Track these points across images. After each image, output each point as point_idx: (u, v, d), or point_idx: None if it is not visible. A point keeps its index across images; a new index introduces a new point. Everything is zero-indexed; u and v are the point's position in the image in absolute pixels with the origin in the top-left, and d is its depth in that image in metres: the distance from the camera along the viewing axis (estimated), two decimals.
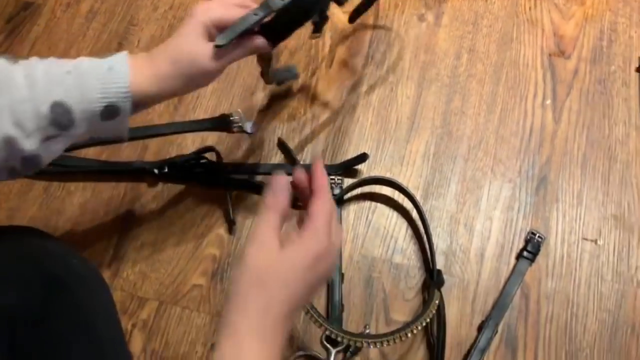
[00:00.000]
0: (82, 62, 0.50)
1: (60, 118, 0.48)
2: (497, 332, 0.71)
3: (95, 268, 0.60)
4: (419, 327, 0.63)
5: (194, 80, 0.56)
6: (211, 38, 0.55)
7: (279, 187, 0.45)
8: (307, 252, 0.42)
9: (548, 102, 0.86)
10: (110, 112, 0.51)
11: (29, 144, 0.47)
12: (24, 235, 0.59)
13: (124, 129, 0.55)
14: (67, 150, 0.82)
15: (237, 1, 0.58)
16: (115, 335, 0.61)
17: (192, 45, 0.54)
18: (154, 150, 0.83)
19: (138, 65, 0.52)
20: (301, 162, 0.81)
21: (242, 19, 0.55)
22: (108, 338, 0.58)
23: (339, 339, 0.63)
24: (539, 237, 0.76)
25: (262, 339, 0.40)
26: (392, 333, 0.62)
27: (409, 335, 0.62)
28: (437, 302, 0.67)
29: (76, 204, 0.80)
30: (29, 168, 0.49)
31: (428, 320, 0.64)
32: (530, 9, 0.93)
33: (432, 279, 0.72)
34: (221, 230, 0.78)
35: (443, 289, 0.73)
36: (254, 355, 0.39)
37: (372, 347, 0.64)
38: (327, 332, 0.63)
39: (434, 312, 0.65)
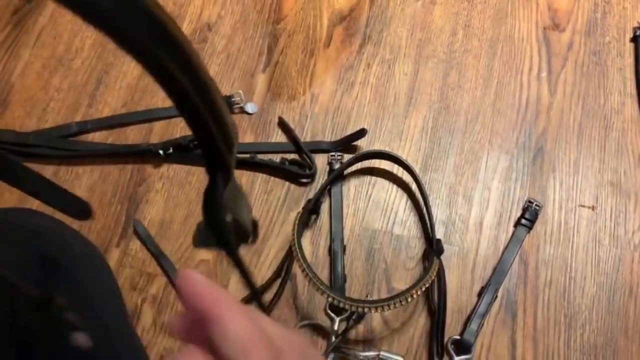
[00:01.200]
0: None
1: None
2: (496, 297, 0.72)
3: (93, 245, 0.61)
4: (419, 292, 0.65)
5: None
6: None
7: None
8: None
9: (543, 74, 0.87)
10: None
11: None
12: (19, 215, 0.60)
13: None
14: (74, 135, 0.86)
15: None
16: (116, 312, 0.63)
17: None
18: (159, 132, 0.85)
19: None
20: (302, 140, 0.83)
21: None
22: (109, 315, 0.60)
23: (342, 305, 0.65)
24: (536, 205, 0.77)
25: None
26: (393, 298, 0.64)
27: (409, 299, 0.64)
28: (436, 268, 0.68)
29: (85, 186, 0.82)
30: None
31: (428, 284, 0.65)
32: None
33: (432, 248, 0.74)
34: None
35: (443, 258, 0.74)
36: None
37: (373, 312, 0.66)
38: (330, 300, 0.65)
39: (433, 277, 0.67)
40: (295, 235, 0.69)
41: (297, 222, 0.71)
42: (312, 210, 0.77)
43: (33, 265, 0.53)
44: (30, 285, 0.53)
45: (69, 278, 0.56)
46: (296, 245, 0.68)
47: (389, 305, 0.64)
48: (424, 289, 0.65)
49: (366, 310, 0.64)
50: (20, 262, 0.53)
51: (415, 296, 0.64)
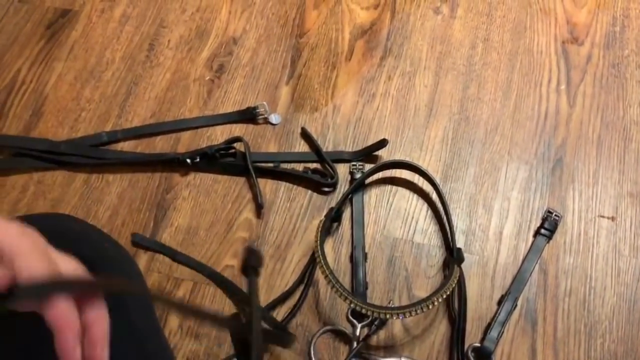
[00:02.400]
0: None
1: None
2: (516, 305, 0.73)
3: (125, 250, 0.63)
4: (440, 299, 0.66)
5: None
6: None
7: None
8: None
9: (562, 87, 0.89)
10: None
11: None
12: (58, 220, 0.63)
13: None
14: (105, 144, 0.89)
15: None
16: (147, 314, 0.65)
17: None
18: (186, 142, 0.88)
19: None
20: (324, 150, 0.85)
21: None
22: (140, 317, 0.62)
23: (364, 311, 0.66)
24: (555, 215, 0.78)
25: None
26: (414, 305, 0.65)
27: (431, 306, 0.65)
28: (457, 276, 0.70)
29: (114, 193, 0.85)
30: None
31: (449, 292, 0.67)
32: None
33: (452, 256, 0.75)
34: (250, 214, 0.82)
35: (463, 266, 0.76)
36: None
37: (395, 318, 0.67)
38: (352, 306, 0.67)
39: (454, 285, 0.68)
40: (319, 242, 0.71)
41: (319, 229, 0.73)
42: (334, 218, 0.79)
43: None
44: None
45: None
46: (319, 252, 0.70)
47: (410, 312, 0.65)
48: (445, 296, 0.66)
49: (388, 316, 0.66)
50: None
51: (436, 303, 0.66)
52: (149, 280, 0.79)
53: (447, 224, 0.78)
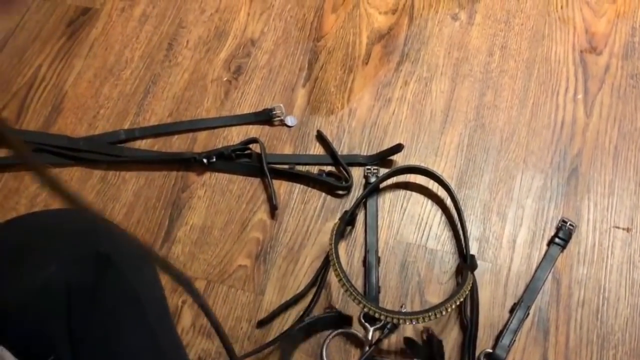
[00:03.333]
0: None
1: None
2: (528, 314, 0.73)
3: (140, 243, 0.64)
4: (453, 306, 0.66)
5: None
6: None
7: None
8: None
9: (579, 96, 0.88)
10: None
11: None
12: (76, 215, 0.64)
13: None
14: (122, 141, 0.90)
15: None
16: (160, 310, 0.66)
17: None
18: (202, 142, 0.89)
19: None
20: (339, 153, 0.85)
21: None
22: (153, 312, 0.63)
23: (377, 315, 0.67)
24: (570, 224, 0.78)
25: None
26: (427, 310, 0.66)
27: (444, 312, 0.65)
28: (470, 283, 0.70)
29: (131, 191, 0.86)
30: None
31: (462, 299, 0.67)
32: (561, 7, 0.95)
33: (466, 263, 0.75)
34: (264, 215, 0.83)
35: (476, 273, 0.76)
36: None
37: (407, 323, 0.67)
38: (365, 310, 0.67)
39: (467, 292, 0.68)
40: (333, 244, 0.72)
41: (334, 232, 0.74)
42: (348, 221, 0.79)
43: (89, 261, 0.57)
44: (86, 279, 0.56)
45: (118, 275, 0.59)
46: (334, 254, 0.70)
47: (423, 318, 0.65)
48: (457, 303, 0.67)
49: (400, 321, 0.66)
50: (78, 258, 0.56)
51: (449, 310, 0.66)
52: (163, 278, 0.78)
53: (461, 231, 0.78)
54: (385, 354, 0.73)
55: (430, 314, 0.65)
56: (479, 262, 0.77)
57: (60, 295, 0.53)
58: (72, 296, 0.55)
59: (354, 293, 0.67)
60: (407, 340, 0.72)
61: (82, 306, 0.55)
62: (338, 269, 0.69)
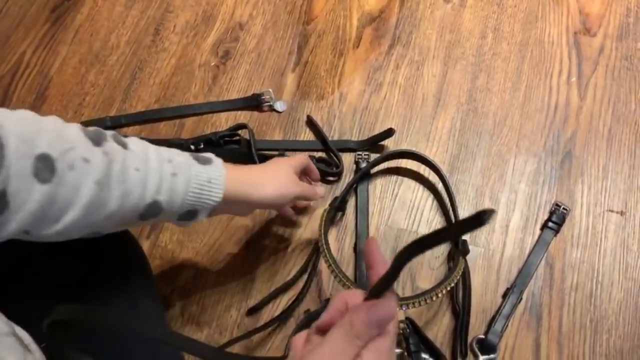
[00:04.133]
0: (187, 167, 0.51)
1: (147, 214, 0.49)
2: (521, 299, 0.72)
3: (130, 233, 0.63)
4: (444, 291, 0.65)
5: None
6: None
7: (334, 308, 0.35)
8: None
9: (573, 79, 0.87)
10: (189, 214, 0.53)
11: (108, 229, 0.48)
12: None
13: (187, 225, 0.57)
14: (108, 129, 0.88)
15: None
16: (151, 299, 0.65)
17: (281, 205, 0.66)
18: (190, 128, 0.87)
19: (230, 187, 0.55)
20: (329, 139, 0.84)
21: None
22: (145, 301, 0.62)
23: None
24: (563, 208, 0.77)
25: None
26: (418, 296, 0.65)
27: (434, 298, 0.64)
28: (462, 268, 0.69)
29: None
30: (90, 236, 0.50)
31: (453, 284, 0.66)
32: None
33: (458, 248, 0.74)
34: None
35: (469, 259, 0.75)
36: None
37: (397, 309, 0.66)
38: None
39: (459, 277, 0.67)
40: (322, 231, 0.70)
41: (324, 218, 0.72)
42: (338, 207, 0.78)
43: (77, 246, 0.56)
44: (75, 263, 0.55)
45: (108, 259, 0.58)
46: (323, 241, 0.69)
47: (413, 303, 0.64)
48: (449, 288, 0.65)
49: None
50: (68, 243, 0.55)
51: (440, 295, 0.65)
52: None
53: (452, 216, 0.77)
54: None
55: (420, 299, 0.64)
56: (471, 247, 0.76)
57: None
58: (62, 277, 0.54)
59: (343, 279, 0.66)
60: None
61: (70, 288, 0.54)
62: (328, 256, 0.68)
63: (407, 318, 0.71)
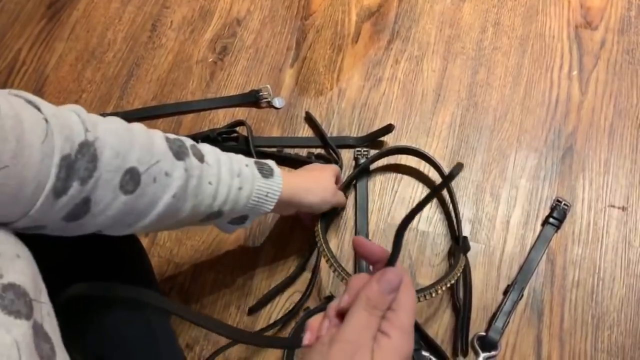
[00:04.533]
0: (250, 179, 0.55)
1: (208, 220, 0.54)
2: (522, 296, 0.72)
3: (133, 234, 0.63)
4: (444, 287, 0.64)
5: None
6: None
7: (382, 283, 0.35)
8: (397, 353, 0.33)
9: (574, 73, 0.86)
10: (240, 219, 0.58)
11: (166, 228, 0.52)
12: None
13: (229, 230, 0.61)
14: None
15: None
16: (151, 283, 0.64)
17: (322, 209, 0.69)
18: (188, 125, 0.86)
19: (284, 194, 0.59)
20: (328, 135, 0.83)
21: None
22: (145, 285, 0.62)
23: None
24: (564, 204, 0.76)
25: None
26: (418, 292, 0.64)
27: (434, 294, 0.63)
28: (463, 265, 0.68)
29: None
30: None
31: (453, 281, 0.65)
32: None
33: (458, 245, 0.73)
34: None
35: (469, 255, 0.74)
36: None
37: None
38: None
39: (459, 274, 0.67)
40: (319, 227, 0.70)
41: (321, 217, 0.72)
42: None
43: (82, 242, 0.55)
44: (80, 259, 0.55)
45: (111, 253, 0.58)
46: (321, 237, 0.69)
47: None
48: (449, 284, 0.65)
49: None
50: (73, 239, 0.55)
51: (440, 292, 0.64)
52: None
53: (452, 212, 0.76)
54: None
55: (420, 295, 0.63)
56: (472, 244, 0.75)
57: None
58: (67, 273, 0.54)
59: (342, 273, 0.65)
60: None
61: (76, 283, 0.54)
62: (326, 251, 0.67)
63: None
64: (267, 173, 0.57)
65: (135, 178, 0.43)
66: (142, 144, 0.44)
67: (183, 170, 0.47)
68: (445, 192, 0.78)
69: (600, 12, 0.90)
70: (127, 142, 0.42)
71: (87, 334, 0.53)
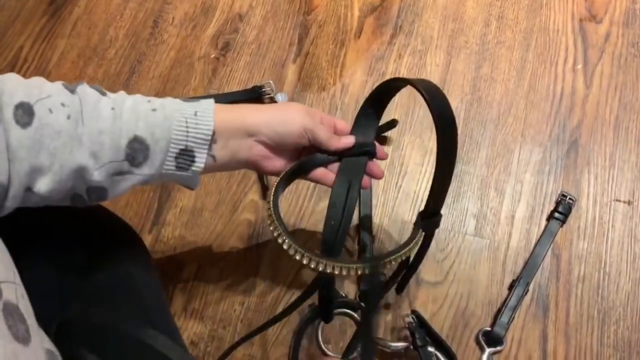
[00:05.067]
0: (169, 102, 0.49)
1: (135, 154, 0.46)
2: (528, 291, 0.71)
3: (130, 227, 0.63)
4: (393, 262, 0.50)
5: (256, 156, 0.54)
6: (302, 140, 0.54)
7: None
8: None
9: (579, 66, 0.86)
10: (185, 154, 0.49)
11: (99, 176, 0.46)
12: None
13: (194, 180, 0.53)
14: None
15: (337, 126, 0.58)
16: (155, 294, 0.64)
17: (286, 135, 0.53)
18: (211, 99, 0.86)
19: (222, 114, 0.50)
20: None
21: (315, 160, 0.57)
22: (149, 296, 0.62)
23: (307, 262, 0.49)
24: (569, 198, 0.76)
25: None
26: (364, 261, 0.50)
27: (381, 269, 0.50)
28: (418, 242, 0.55)
29: None
30: (94, 198, 0.48)
31: (402, 258, 0.51)
32: None
33: (424, 219, 0.56)
34: (255, 196, 0.80)
35: (474, 250, 0.74)
36: None
37: (343, 272, 0.48)
38: (298, 256, 0.49)
39: (411, 253, 0.53)
40: (273, 191, 0.55)
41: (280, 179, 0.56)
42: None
43: (81, 242, 0.55)
44: (77, 259, 0.55)
45: (110, 255, 0.58)
46: (271, 203, 0.53)
47: (357, 269, 0.48)
48: (393, 262, 0.51)
49: (323, 267, 0.48)
50: (71, 238, 0.55)
51: (386, 264, 0.50)
52: (153, 261, 0.77)
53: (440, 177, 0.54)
54: (381, 334, 0.71)
55: (365, 265, 0.48)
56: (476, 239, 0.75)
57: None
58: (64, 273, 0.53)
59: (288, 239, 0.50)
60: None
61: (73, 283, 0.54)
62: (275, 219, 0.52)
63: (413, 312, 0.70)
64: (191, 100, 0.50)
65: (28, 110, 0.42)
66: (31, 83, 0.44)
67: (78, 98, 0.44)
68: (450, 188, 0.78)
69: (605, 5, 0.89)
70: (12, 82, 0.43)
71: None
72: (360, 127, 0.60)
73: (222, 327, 0.73)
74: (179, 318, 0.74)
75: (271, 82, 0.87)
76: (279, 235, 0.50)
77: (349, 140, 0.57)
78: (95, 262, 0.56)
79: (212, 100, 0.50)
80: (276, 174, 0.56)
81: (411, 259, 0.63)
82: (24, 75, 0.90)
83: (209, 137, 0.49)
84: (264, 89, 0.86)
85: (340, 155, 0.58)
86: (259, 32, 0.92)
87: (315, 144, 0.55)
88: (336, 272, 0.49)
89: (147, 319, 0.59)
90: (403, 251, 0.52)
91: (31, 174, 0.42)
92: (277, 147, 0.54)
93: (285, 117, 0.53)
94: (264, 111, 0.53)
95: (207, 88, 0.89)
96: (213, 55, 0.91)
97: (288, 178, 0.57)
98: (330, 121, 0.58)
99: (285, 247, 0.50)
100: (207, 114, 0.49)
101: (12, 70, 0.92)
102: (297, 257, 0.49)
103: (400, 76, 0.86)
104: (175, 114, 0.47)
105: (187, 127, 0.47)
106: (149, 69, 0.91)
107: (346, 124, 0.59)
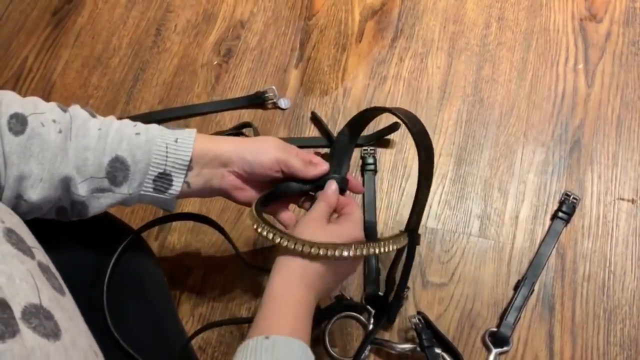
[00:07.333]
0: (153, 128, 0.52)
1: (116, 173, 0.49)
2: (533, 291, 0.72)
3: (138, 234, 0.64)
4: (364, 251, 0.50)
5: (231, 186, 0.55)
6: (273, 172, 0.55)
7: (331, 189, 0.56)
8: (345, 231, 0.51)
9: (580, 66, 0.86)
10: (163, 178, 0.51)
11: (82, 190, 0.48)
12: None
13: (171, 203, 0.54)
14: None
15: (312, 160, 0.58)
16: (165, 300, 0.65)
17: (256, 165, 0.54)
18: (195, 128, 0.86)
19: (201, 144, 0.52)
20: (334, 135, 0.83)
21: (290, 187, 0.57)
22: (159, 301, 0.62)
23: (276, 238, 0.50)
24: (573, 198, 0.76)
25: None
26: (334, 247, 0.48)
27: (348, 253, 0.49)
28: (400, 243, 0.55)
29: None
30: (76, 213, 0.51)
31: (379, 250, 0.51)
32: None
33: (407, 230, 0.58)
34: None
35: (479, 250, 0.74)
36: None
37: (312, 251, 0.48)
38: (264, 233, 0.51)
39: (388, 250, 0.53)
40: (254, 207, 0.55)
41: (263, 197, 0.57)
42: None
43: (89, 248, 0.56)
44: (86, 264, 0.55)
45: (119, 260, 0.58)
46: (255, 214, 0.54)
47: (318, 247, 0.48)
48: (373, 251, 0.51)
49: (293, 245, 0.49)
50: (80, 245, 0.56)
51: (358, 252, 0.49)
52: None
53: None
54: (388, 337, 0.71)
55: (337, 249, 0.48)
56: (481, 240, 0.75)
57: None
58: (72, 279, 0.54)
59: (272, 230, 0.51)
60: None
61: (82, 290, 0.54)
62: (256, 216, 0.53)
63: (419, 313, 0.70)
64: (175, 128, 0.53)
65: (22, 119, 0.45)
66: (27, 100, 0.47)
67: (69, 116, 0.48)
68: (453, 189, 0.78)
69: (605, 4, 0.90)
70: (10, 96, 0.46)
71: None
72: (336, 154, 0.60)
73: (230, 332, 0.74)
74: (186, 323, 0.75)
75: (274, 87, 0.87)
76: (274, 235, 0.50)
77: (324, 167, 0.58)
78: (103, 264, 0.57)
79: (194, 130, 0.54)
80: (247, 204, 0.57)
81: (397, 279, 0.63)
82: (29, 86, 0.92)
83: (187, 164, 0.51)
84: (266, 95, 0.87)
85: (316, 183, 0.58)
86: (260, 38, 0.93)
87: (290, 174, 0.55)
88: (365, 253, 0.51)
89: (156, 320, 0.60)
90: (382, 243, 0.52)
91: (20, 180, 0.45)
92: (249, 177, 0.55)
93: (258, 148, 0.54)
94: (240, 143, 0.55)
95: (210, 95, 0.90)
96: (216, 62, 0.92)
97: (262, 203, 0.57)
98: (306, 157, 0.57)
99: (284, 243, 0.49)
100: (187, 142, 0.51)
101: (17, 81, 0.93)
102: (299, 249, 0.49)
103: (399, 79, 0.87)
104: (157, 139, 0.51)
105: (167, 152, 0.50)
106: (153, 77, 0.92)
107: (322, 160, 0.59)
